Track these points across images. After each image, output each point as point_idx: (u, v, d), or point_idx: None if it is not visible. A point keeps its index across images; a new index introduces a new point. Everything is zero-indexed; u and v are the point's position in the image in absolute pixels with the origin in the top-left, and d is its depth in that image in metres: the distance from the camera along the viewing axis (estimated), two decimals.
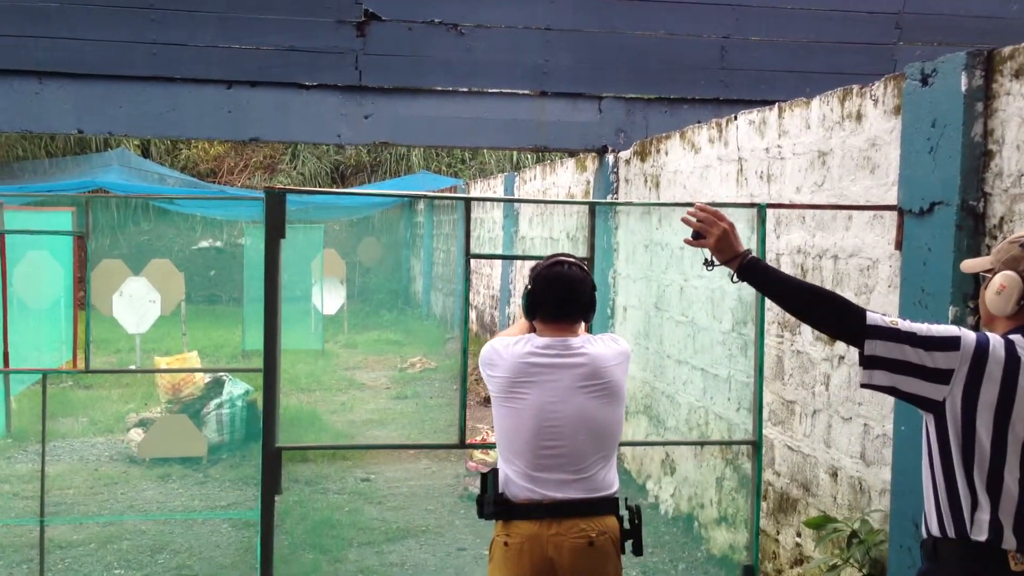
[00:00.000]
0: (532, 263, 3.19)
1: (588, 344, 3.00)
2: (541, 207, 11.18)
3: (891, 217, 4.03)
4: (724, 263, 2.59)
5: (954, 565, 2.26)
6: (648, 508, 6.52)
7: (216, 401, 7.75)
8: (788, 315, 4.98)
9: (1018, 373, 2.23)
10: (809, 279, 4.72)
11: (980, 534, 2.22)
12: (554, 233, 10.20)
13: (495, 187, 14.61)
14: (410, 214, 21.33)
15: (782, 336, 5.06)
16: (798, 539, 4.81)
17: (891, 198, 4.04)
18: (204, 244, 19.94)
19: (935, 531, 2.31)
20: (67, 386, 10.59)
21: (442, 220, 18.16)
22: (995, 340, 2.28)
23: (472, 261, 3.73)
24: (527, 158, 18.82)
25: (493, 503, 2.96)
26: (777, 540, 5.01)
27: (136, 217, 18.86)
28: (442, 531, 6.07)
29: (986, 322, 2.44)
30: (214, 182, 19.52)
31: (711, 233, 2.58)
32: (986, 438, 2.22)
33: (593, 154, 8.17)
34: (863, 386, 2.36)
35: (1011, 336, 2.30)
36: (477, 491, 6.83)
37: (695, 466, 6.12)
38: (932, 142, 3.68)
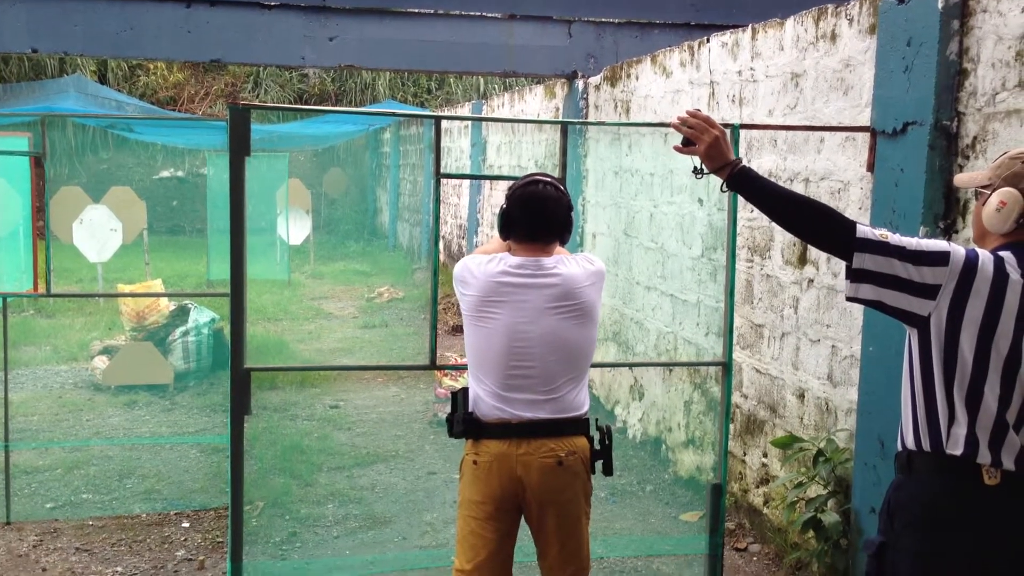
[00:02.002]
0: (502, 189, 3.14)
1: (561, 264, 2.97)
2: (509, 135, 11.07)
3: (863, 139, 4.02)
4: (714, 171, 2.52)
5: (928, 477, 2.28)
6: (616, 433, 6.58)
7: (181, 329, 7.66)
8: (758, 239, 5.00)
9: (1005, 290, 2.22)
10: None
11: (956, 448, 2.23)
12: (523, 161, 10.10)
13: (464, 113, 14.40)
14: (376, 144, 21.05)
15: (752, 260, 5.07)
16: (764, 459, 4.89)
17: (864, 119, 4.02)
18: (165, 174, 19.57)
19: (910, 444, 2.32)
20: (29, 315, 10.43)
21: (408, 150, 17.94)
22: (984, 256, 2.26)
23: (440, 190, 3.66)
24: (494, 88, 18.56)
25: (462, 422, 2.96)
26: (744, 461, 5.08)
27: (94, 145, 18.42)
28: (412, 456, 6.10)
29: (977, 238, 2.41)
30: (174, 110, 19.06)
31: (702, 140, 2.50)
32: (969, 354, 2.22)
33: (562, 80, 8.05)
34: (849, 299, 2.34)
35: (1000, 253, 2.28)
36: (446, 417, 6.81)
37: (663, 391, 6.18)
38: (907, 61, 3.65)
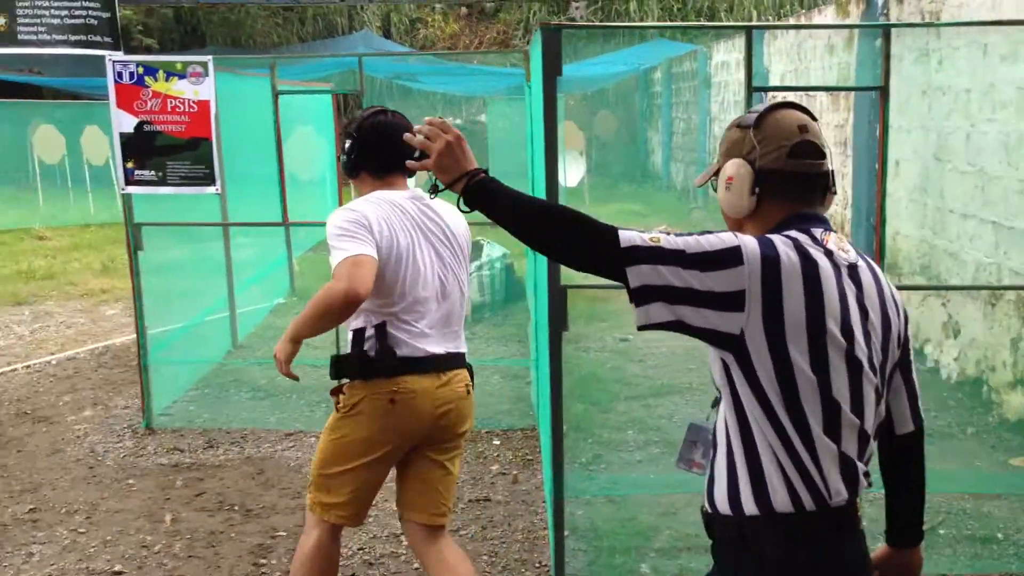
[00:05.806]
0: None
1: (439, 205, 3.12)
2: (795, 62, 10.57)
3: None
4: (448, 186, 1.96)
5: (830, 542, 1.77)
6: (926, 372, 6.15)
7: (476, 263, 7.99)
8: None
9: (819, 277, 1.72)
10: None
11: (839, 496, 1.74)
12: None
13: (739, 47, 13.87)
14: (646, 84, 20.83)
15: None
16: None
17: None
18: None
19: (752, 510, 1.77)
20: None
21: (681, 88, 17.61)
22: (780, 243, 1.74)
23: (752, 104, 3.54)
24: (767, 18, 17.74)
25: (388, 358, 2.88)
26: None
27: (380, 97, 19.59)
28: (706, 388, 6.00)
29: (735, 229, 1.86)
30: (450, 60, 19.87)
31: (432, 148, 1.95)
32: (805, 364, 1.70)
33: None
34: (641, 328, 1.75)
35: (790, 235, 1.77)
36: None
37: (984, 327, 5.68)
38: None
